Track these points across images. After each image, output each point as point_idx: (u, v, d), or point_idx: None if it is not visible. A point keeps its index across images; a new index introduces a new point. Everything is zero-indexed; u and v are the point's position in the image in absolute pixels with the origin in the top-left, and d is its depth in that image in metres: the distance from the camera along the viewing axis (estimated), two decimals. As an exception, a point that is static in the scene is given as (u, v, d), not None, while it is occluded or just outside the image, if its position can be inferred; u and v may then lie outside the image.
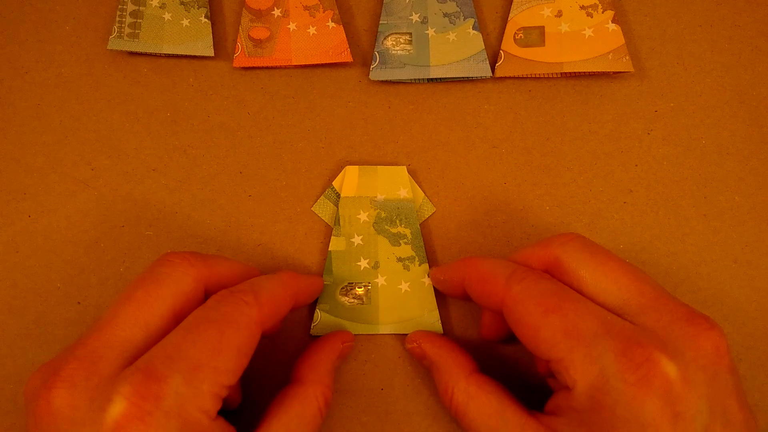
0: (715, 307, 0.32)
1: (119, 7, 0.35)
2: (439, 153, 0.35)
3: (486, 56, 0.35)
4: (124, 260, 0.33)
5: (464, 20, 0.35)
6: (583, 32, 0.34)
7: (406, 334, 0.32)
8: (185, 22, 0.34)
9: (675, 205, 0.34)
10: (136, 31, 0.34)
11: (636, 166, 0.34)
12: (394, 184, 0.33)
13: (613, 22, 0.34)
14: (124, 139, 0.34)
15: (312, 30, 0.35)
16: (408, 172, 0.34)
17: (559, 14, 0.34)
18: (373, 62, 0.35)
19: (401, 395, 0.31)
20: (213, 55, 0.34)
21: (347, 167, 0.33)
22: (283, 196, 0.34)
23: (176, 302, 0.25)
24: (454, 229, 0.33)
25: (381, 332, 0.32)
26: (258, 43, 0.35)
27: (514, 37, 0.34)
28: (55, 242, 0.33)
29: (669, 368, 0.22)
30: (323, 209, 0.33)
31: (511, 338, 0.30)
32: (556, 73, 0.34)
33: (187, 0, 0.34)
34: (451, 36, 0.35)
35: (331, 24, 0.35)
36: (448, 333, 0.32)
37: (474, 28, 0.35)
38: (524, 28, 0.34)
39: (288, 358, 0.32)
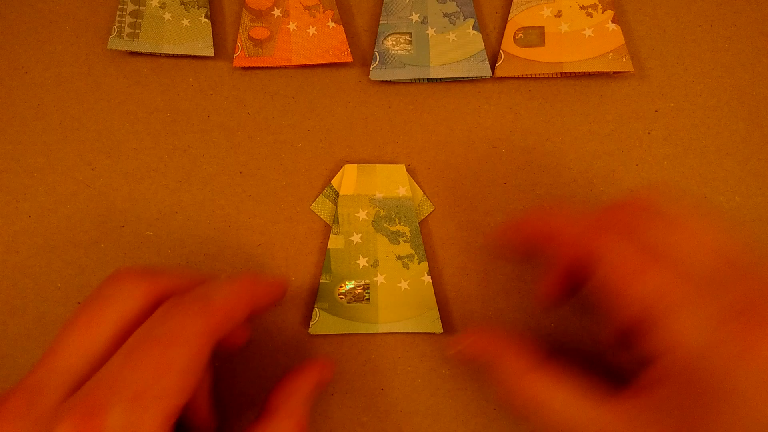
0: (716, 307, 0.32)
1: (119, 6, 0.35)
2: (439, 153, 0.35)
3: (486, 56, 0.35)
4: (124, 260, 0.33)
5: (464, 20, 0.35)
6: (583, 32, 0.34)
7: (406, 334, 0.32)
8: (185, 21, 0.34)
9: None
10: (136, 30, 0.34)
11: (636, 165, 0.34)
12: (393, 182, 0.33)
13: (612, 22, 0.34)
14: (124, 139, 0.34)
15: (312, 30, 0.35)
16: (408, 171, 0.34)
17: (559, 14, 0.34)
18: (373, 62, 0.35)
19: (401, 395, 0.31)
20: (213, 55, 0.35)
21: (346, 166, 0.34)
22: (283, 196, 0.34)
23: (122, 324, 0.23)
24: (454, 229, 0.33)
25: (380, 331, 0.31)
26: (258, 43, 0.35)
27: (514, 37, 0.34)
28: (55, 242, 0.33)
29: None
30: (322, 208, 0.33)
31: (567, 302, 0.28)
32: (556, 73, 0.34)
33: (187, 0, 0.34)
34: (451, 36, 0.35)
35: (331, 24, 0.35)
36: (448, 332, 0.32)
37: (474, 28, 0.35)
38: (524, 28, 0.34)
39: (287, 359, 0.32)
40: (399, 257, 0.32)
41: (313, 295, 0.32)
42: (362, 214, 0.33)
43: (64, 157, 0.34)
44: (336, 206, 0.33)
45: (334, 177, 0.34)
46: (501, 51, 0.35)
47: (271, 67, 0.35)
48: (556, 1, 0.35)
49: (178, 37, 0.34)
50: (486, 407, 0.31)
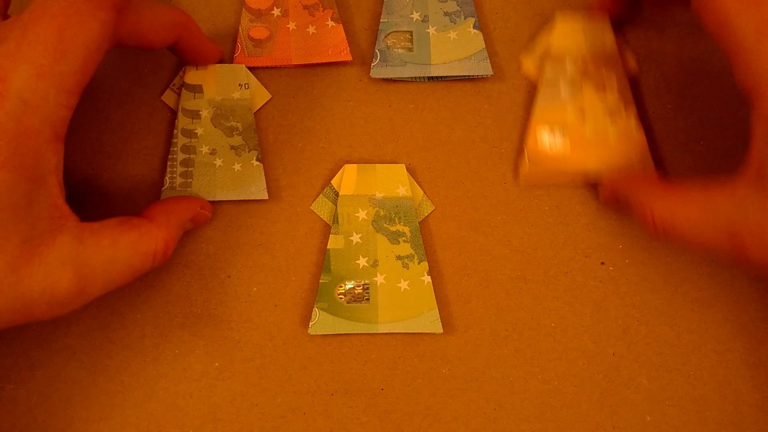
0: (716, 307, 0.32)
1: (170, 157, 0.33)
2: (439, 152, 0.34)
3: (486, 55, 0.35)
4: (124, 260, 0.33)
5: (465, 19, 0.35)
6: (606, 134, 0.32)
7: (406, 334, 0.32)
8: (237, 166, 0.33)
9: (676, 205, 0.34)
10: (188, 180, 0.33)
11: (636, 165, 0.34)
12: (393, 182, 0.33)
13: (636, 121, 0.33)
14: (124, 139, 0.34)
15: (311, 29, 0.35)
16: (408, 171, 0.34)
17: (583, 115, 0.32)
18: (373, 60, 0.35)
19: (401, 395, 0.31)
20: (267, 198, 0.33)
21: (346, 165, 0.33)
22: (283, 196, 0.34)
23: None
24: (454, 229, 0.33)
25: (380, 331, 0.31)
26: (258, 43, 0.35)
27: (538, 139, 0.33)
28: (55, 242, 0.33)
29: None
30: (322, 207, 0.33)
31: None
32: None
33: (238, 144, 0.34)
34: (452, 35, 0.35)
35: (331, 23, 0.35)
36: (448, 332, 0.32)
37: (474, 27, 0.35)
38: (547, 129, 0.33)
39: (287, 359, 0.32)
40: (399, 257, 0.32)
41: (313, 295, 0.32)
42: (362, 214, 0.33)
43: (64, 157, 0.34)
44: (336, 206, 0.33)
45: (334, 177, 0.34)
46: (525, 154, 0.33)
47: (271, 67, 0.35)
48: (579, 100, 0.33)
49: (231, 182, 0.33)
50: (486, 407, 0.31)
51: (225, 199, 0.33)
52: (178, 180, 0.33)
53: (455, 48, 0.35)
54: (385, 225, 0.33)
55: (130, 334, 0.32)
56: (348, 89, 0.35)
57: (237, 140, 0.34)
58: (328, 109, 0.35)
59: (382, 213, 0.33)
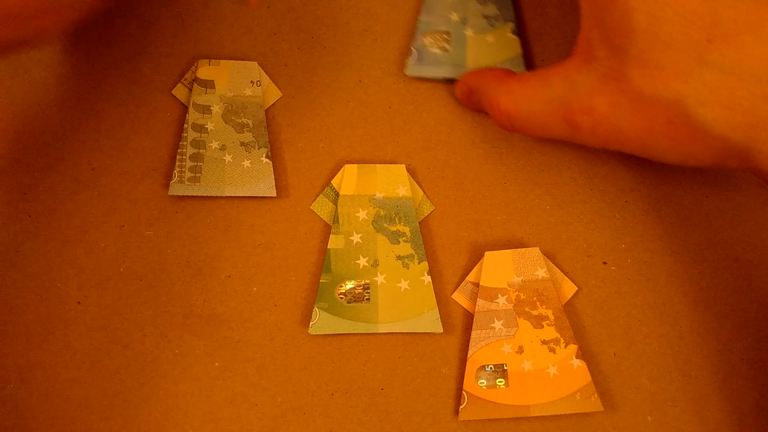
0: (717, 308, 0.32)
1: (179, 151, 0.34)
2: (439, 152, 0.34)
3: (523, 60, 0.35)
4: (125, 260, 0.33)
5: (504, 23, 0.35)
6: (547, 370, 0.31)
7: (406, 334, 0.32)
8: (246, 163, 0.33)
9: (677, 204, 0.34)
10: (197, 174, 0.33)
11: (638, 164, 0.34)
12: (393, 182, 0.33)
13: (577, 357, 0.31)
14: (124, 138, 0.34)
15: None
16: (408, 171, 0.34)
17: (521, 350, 0.31)
18: (410, 58, 0.35)
19: (401, 395, 0.31)
20: (275, 195, 0.33)
21: (346, 165, 0.33)
22: (283, 196, 0.34)
23: None
24: (454, 229, 0.33)
25: (380, 331, 0.31)
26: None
27: (476, 376, 0.31)
28: (55, 242, 0.33)
29: None
30: (322, 207, 0.33)
31: None
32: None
33: (248, 141, 0.34)
34: (489, 38, 0.35)
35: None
36: (448, 332, 0.32)
37: (513, 32, 0.35)
38: (485, 366, 0.31)
39: (287, 359, 0.32)
40: (399, 257, 0.32)
41: (313, 295, 0.32)
42: (362, 214, 0.33)
43: (65, 157, 0.34)
44: (336, 206, 0.33)
45: (334, 177, 0.34)
46: (464, 392, 0.31)
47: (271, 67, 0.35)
48: (516, 336, 0.32)
49: (240, 179, 0.33)
50: (486, 407, 0.31)
51: (233, 195, 0.33)
52: (187, 174, 0.33)
53: (492, 52, 0.35)
54: (385, 225, 0.33)
55: (130, 334, 0.32)
56: (348, 89, 0.35)
57: (247, 137, 0.34)
58: (328, 109, 0.35)
59: (382, 213, 0.33)
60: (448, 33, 0.35)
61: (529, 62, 0.35)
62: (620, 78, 0.24)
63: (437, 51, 0.35)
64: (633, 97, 0.24)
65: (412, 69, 0.35)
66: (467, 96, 0.33)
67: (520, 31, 0.36)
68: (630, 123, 0.25)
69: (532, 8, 0.36)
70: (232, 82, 0.34)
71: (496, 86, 0.30)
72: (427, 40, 0.35)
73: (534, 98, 0.28)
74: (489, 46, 0.35)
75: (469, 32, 0.35)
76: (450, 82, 0.35)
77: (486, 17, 0.35)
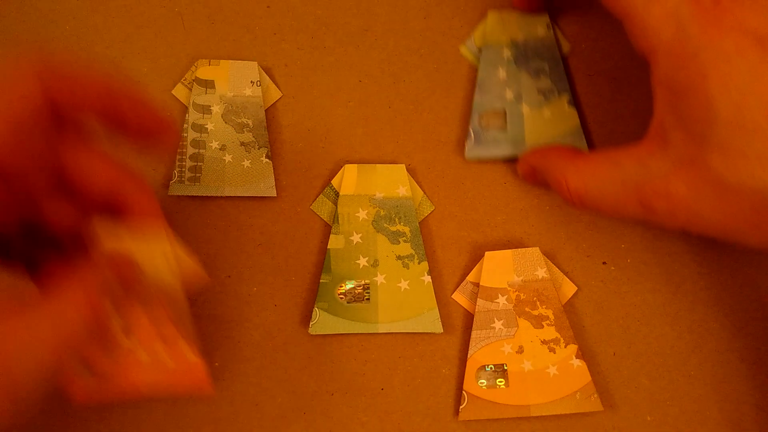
0: (717, 307, 0.32)
1: (179, 151, 0.33)
2: (439, 152, 0.34)
3: (582, 133, 0.34)
4: (124, 260, 0.33)
5: (559, 95, 0.34)
6: (547, 370, 0.31)
7: (406, 334, 0.32)
8: (246, 163, 0.33)
9: (676, 205, 0.34)
10: (197, 174, 0.33)
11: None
12: (393, 182, 0.33)
13: (576, 357, 0.31)
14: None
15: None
16: (408, 171, 0.34)
17: (521, 350, 0.31)
18: (467, 140, 0.34)
19: (401, 395, 0.31)
20: (275, 195, 0.33)
21: (346, 165, 0.33)
22: (283, 196, 0.34)
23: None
24: (454, 229, 0.33)
25: (380, 331, 0.31)
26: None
27: (476, 376, 0.31)
28: (55, 242, 0.33)
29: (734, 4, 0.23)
30: (322, 207, 0.33)
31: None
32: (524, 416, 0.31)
33: (248, 141, 0.34)
34: (546, 112, 0.34)
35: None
36: (448, 332, 0.32)
37: (569, 103, 0.34)
38: (485, 366, 0.31)
39: (287, 359, 0.32)
40: (399, 257, 0.32)
41: (313, 295, 0.32)
42: (362, 214, 0.33)
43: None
44: (336, 206, 0.33)
45: (334, 177, 0.34)
46: (464, 392, 0.31)
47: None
48: (516, 336, 0.32)
49: (240, 179, 0.33)
50: (486, 407, 0.31)
51: (233, 195, 0.33)
52: (187, 174, 0.33)
53: (550, 125, 0.34)
54: (385, 225, 0.33)
55: (130, 334, 0.32)
56: (348, 89, 0.35)
57: (247, 137, 0.34)
58: (328, 109, 0.35)
59: (382, 213, 0.33)
60: (504, 111, 0.34)
61: (587, 134, 0.34)
62: (699, 164, 0.24)
63: (495, 131, 0.34)
64: (714, 183, 0.24)
65: (472, 152, 0.34)
66: (531, 174, 0.32)
67: (576, 102, 0.35)
68: (711, 209, 0.24)
69: (583, 81, 0.35)
70: (232, 82, 0.34)
71: (563, 166, 0.29)
72: (484, 122, 0.34)
73: (605, 179, 0.27)
74: (546, 121, 0.34)
75: (525, 108, 0.34)
76: (511, 160, 0.34)
77: (540, 91, 0.34)
